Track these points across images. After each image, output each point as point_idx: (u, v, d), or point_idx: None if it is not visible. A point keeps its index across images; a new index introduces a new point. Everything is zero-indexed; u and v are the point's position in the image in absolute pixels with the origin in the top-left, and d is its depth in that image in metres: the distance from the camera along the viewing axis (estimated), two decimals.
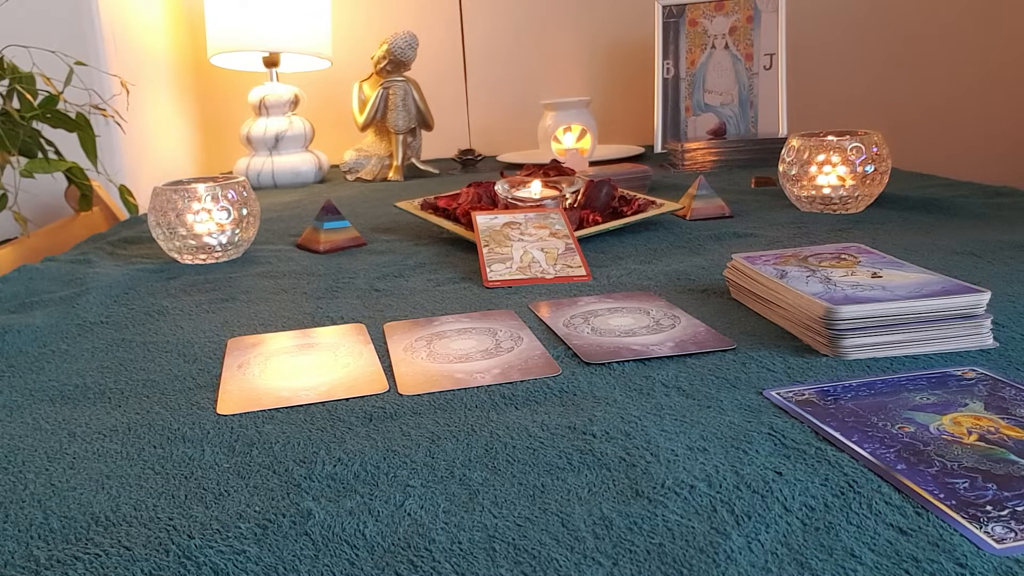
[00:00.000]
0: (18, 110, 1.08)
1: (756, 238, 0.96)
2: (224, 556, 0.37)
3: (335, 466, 0.45)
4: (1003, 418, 0.47)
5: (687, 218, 1.09)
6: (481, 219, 0.93)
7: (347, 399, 0.55)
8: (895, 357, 0.57)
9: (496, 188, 1.05)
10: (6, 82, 1.09)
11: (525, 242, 0.88)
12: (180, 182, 0.97)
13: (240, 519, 0.41)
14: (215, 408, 0.55)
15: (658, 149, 1.72)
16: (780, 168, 1.10)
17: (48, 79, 1.12)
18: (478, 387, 0.55)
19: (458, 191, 1.11)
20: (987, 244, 0.86)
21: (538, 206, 0.99)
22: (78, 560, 0.38)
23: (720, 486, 0.41)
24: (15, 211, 1.10)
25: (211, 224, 0.94)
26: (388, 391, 0.56)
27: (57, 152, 1.16)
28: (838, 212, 1.06)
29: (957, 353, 0.57)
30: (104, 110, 1.19)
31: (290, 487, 0.44)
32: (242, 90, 1.84)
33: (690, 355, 0.60)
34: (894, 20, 2.00)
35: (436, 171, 1.70)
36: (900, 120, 2.03)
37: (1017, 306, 0.66)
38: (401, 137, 1.64)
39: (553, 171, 1.12)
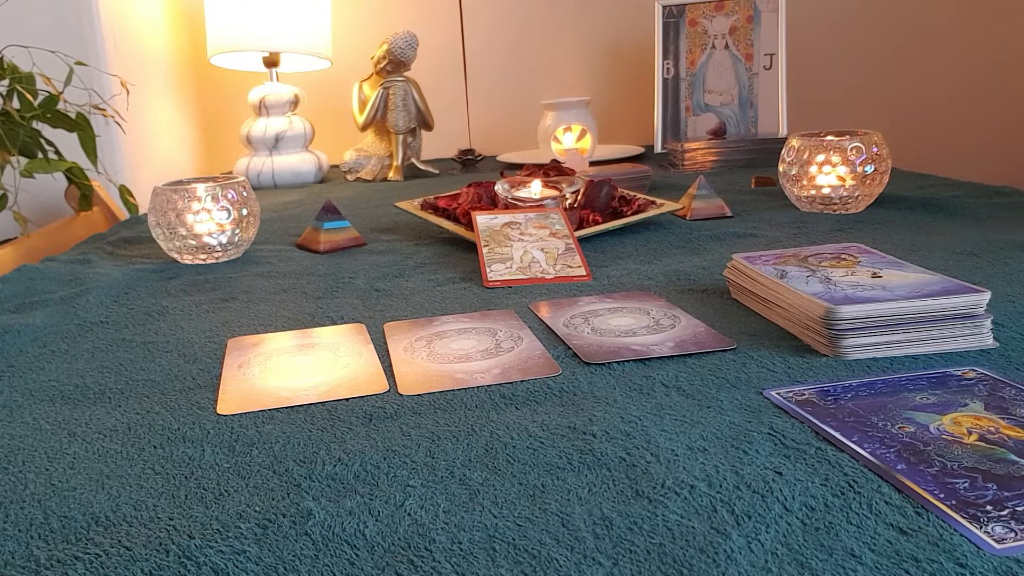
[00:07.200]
0: (18, 110, 1.08)
1: (756, 238, 0.96)
2: (224, 556, 0.37)
3: (335, 466, 0.45)
4: (1003, 418, 0.47)
5: (687, 218, 1.09)
6: (481, 219, 0.93)
7: (347, 399, 0.55)
8: (895, 357, 0.57)
9: (496, 188, 1.05)
10: (6, 82, 1.09)
11: (525, 242, 0.88)
12: (180, 182, 0.97)
13: (240, 519, 0.41)
14: (215, 408, 0.55)
15: (658, 149, 1.72)
16: (780, 168, 1.10)
17: (48, 79, 1.12)
18: (478, 387, 0.55)
19: (458, 191, 1.11)
20: (987, 244, 0.86)
21: (538, 206, 0.99)
22: (78, 560, 0.38)
23: (720, 486, 0.41)
24: (15, 211, 1.10)
25: (211, 224, 0.94)
26: (388, 391, 0.56)
27: (57, 152, 1.16)
28: (838, 212, 1.06)
29: (957, 353, 0.57)
30: (104, 110, 1.19)
31: (290, 487, 0.44)
32: (242, 90, 1.84)
33: (690, 355, 0.60)
34: (894, 20, 2.00)
35: (436, 171, 1.70)
36: (900, 120, 2.03)
37: (1017, 306, 0.66)
38: (401, 137, 1.64)
39: (553, 171, 1.12)
